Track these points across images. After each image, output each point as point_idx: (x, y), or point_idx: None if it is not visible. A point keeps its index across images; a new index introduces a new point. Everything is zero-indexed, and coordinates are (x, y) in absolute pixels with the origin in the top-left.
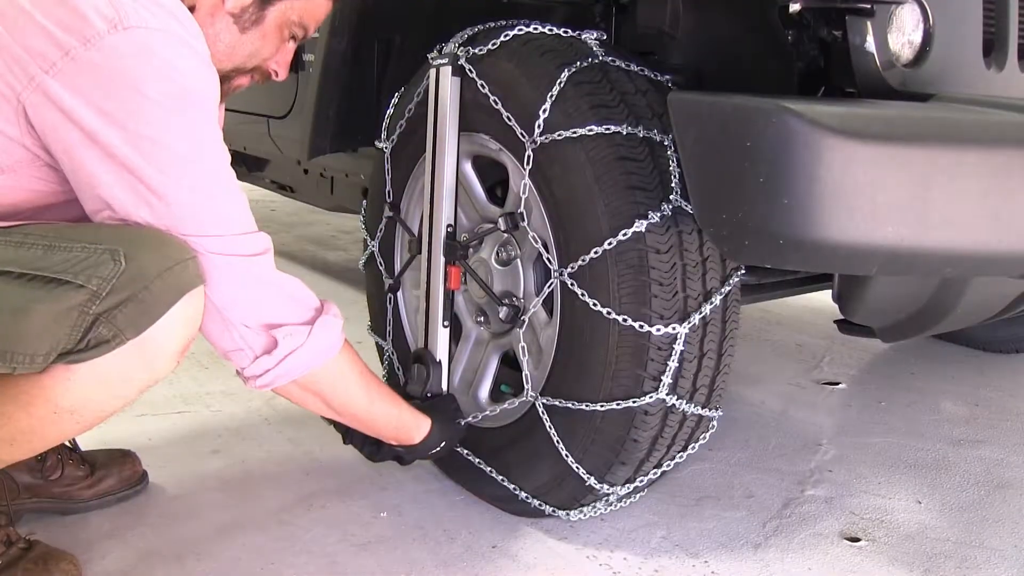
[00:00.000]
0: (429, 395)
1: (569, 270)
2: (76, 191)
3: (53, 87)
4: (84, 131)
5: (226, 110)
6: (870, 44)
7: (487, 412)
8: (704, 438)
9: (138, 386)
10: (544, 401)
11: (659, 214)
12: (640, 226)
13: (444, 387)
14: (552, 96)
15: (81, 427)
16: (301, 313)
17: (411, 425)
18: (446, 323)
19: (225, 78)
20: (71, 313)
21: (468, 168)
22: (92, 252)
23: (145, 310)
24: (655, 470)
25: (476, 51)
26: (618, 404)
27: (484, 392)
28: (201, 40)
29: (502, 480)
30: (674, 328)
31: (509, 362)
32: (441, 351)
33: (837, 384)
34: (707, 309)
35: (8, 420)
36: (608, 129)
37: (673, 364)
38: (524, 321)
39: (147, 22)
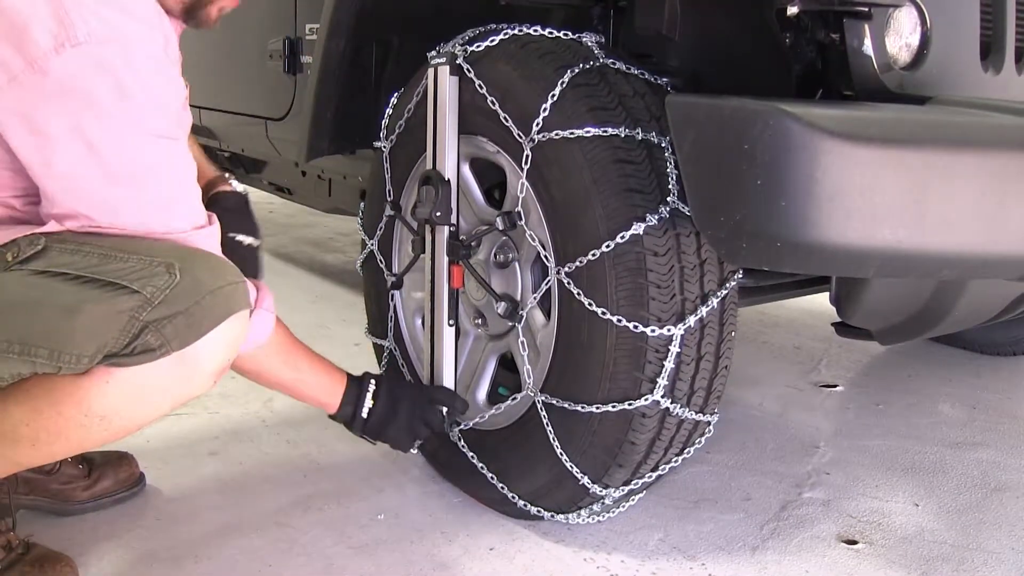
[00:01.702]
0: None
1: (566, 270)
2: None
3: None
4: (34, 152)
5: (224, 111)
6: (868, 47)
7: (489, 412)
8: (700, 442)
9: (172, 401)
10: (543, 399)
11: (657, 216)
12: (638, 228)
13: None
14: (553, 98)
15: (107, 436)
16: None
17: (325, 386)
18: (451, 322)
19: (199, 5)
20: (122, 316)
21: (466, 170)
22: (148, 264)
23: (193, 324)
24: (651, 473)
25: (475, 51)
26: (614, 406)
27: (482, 394)
28: (155, 20)
29: (502, 488)
30: (670, 330)
31: (507, 365)
32: (447, 350)
33: (835, 387)
34: (704, 311)
35: (37, 416)
36: (606, 131)
37: (670, 366)
38: (522, 316)
39: (95, 34)
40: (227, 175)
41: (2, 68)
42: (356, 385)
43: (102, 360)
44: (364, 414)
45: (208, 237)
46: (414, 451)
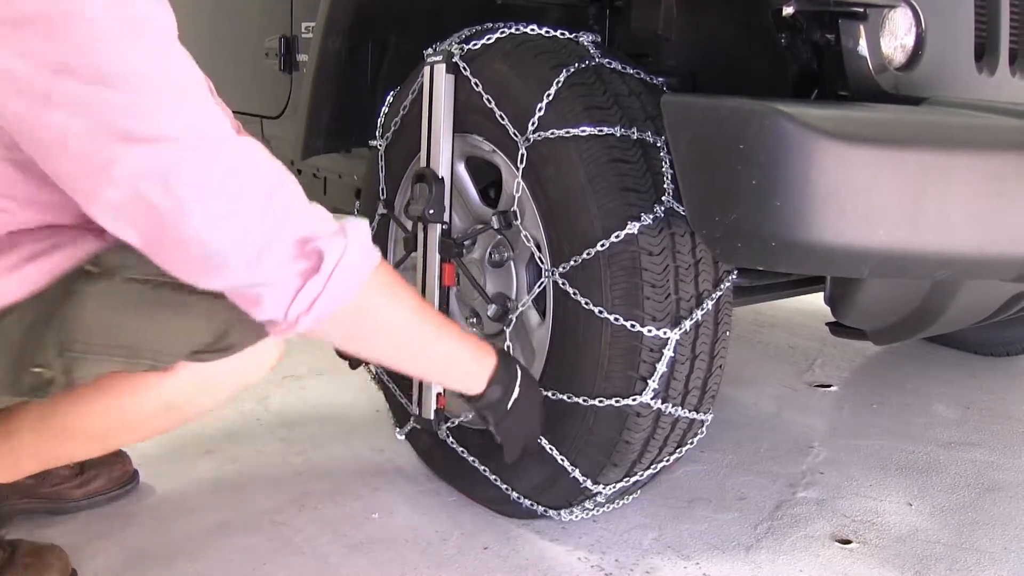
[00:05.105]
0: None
1: (561, 269)
2: (53, 177)
3: None
4: (36, 93)
5: None
6: (863, 47)
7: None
8: (692, 442)
9: (234, 390)
10: None
11: (652, 216)
12: (633, 228)
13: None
14: (549, 97)
15: (172, 426)
16: (326, 218)
17: (474, 355)
18: None
19: None
20: (215, 318)
21: (461, 169)
22: None
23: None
24: (646, 472)
25: (471, 50)
26: (601, 402)
27: None
28: None
29: (495, 479)
30: (665, 331)
31: None
32: None
33: (829, 386)
34: (699, 312)
35: (117, 411)
36: (602, 131)
37: (664, 366)
38: (511, 320)
39: None
40: None
41: None
42: (509, 365)
43: (187, 356)
44: (510, 405)
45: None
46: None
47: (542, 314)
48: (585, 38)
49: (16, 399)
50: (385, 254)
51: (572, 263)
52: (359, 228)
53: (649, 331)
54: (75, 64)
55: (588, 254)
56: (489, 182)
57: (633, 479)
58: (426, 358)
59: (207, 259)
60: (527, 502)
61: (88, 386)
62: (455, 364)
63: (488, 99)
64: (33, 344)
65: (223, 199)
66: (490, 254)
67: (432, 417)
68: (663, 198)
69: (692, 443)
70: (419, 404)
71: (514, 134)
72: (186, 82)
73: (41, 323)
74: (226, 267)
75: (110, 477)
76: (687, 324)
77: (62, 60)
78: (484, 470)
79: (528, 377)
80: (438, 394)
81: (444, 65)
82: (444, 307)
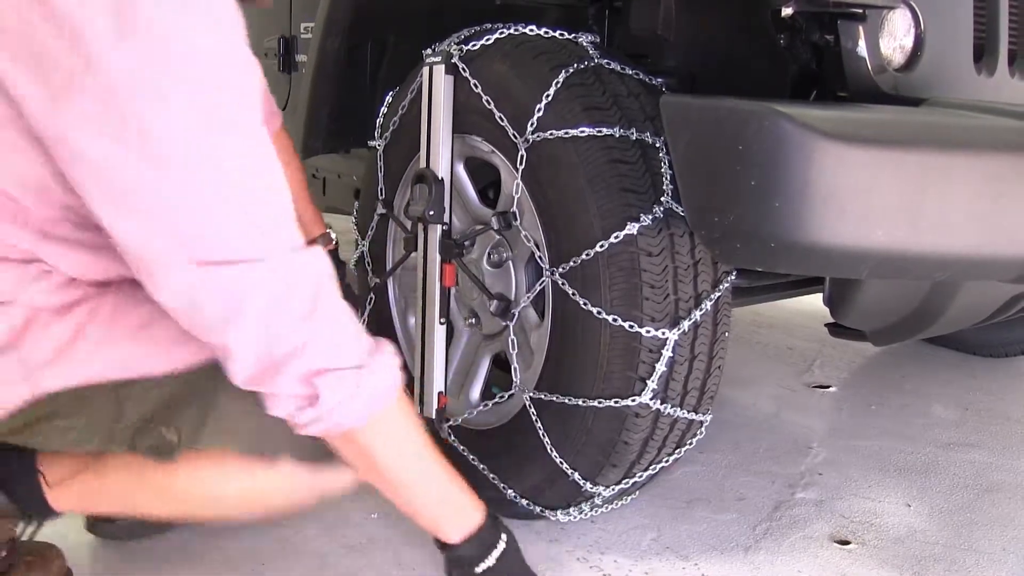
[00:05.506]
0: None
1: (560, 270)
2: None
3: (58, 121)
4: (96, 166)
5: None
6: (862, 48)
7: (477, 409)
8: (691, 443)
9: (311, 499)
10: (531, 395)
11: (651, 217)
12: (632, 228)
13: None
14: (548, 97)
15: (255, 511)
16: (355, 347)
17: (458, 506)
18: (442, 320)
19: None
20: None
21: (460, 170)
22: None
23: None
24: (645, 472)
25: (470, 50)
26: (600, 402)
27: (475, 393)
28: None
29: (494, 479)
30: (664, 331)
31: (501, 364)
32: (437, 348)
33: (828, 387)
34: (698, 312)
35: (219, 486)
36: (600, 131)
37: (663, 367)
38: (515, 315)
39: (158, 12)
40: (330, 232)
41: (58, 72)
42: (493, 530)
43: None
44: (480, 570)
45: (318, 260)
46: None
47: (541, 315)
48: (584, 39)
49: (122, 451)
50: (385, 254)
51: (571, 263)
52: (382, 368)
53: (648, 332)
54: (135, 141)
55: (587, 255)
56: (488, 183)
57: (632, 480)
58: (409, 496)
59: (225, 361)
60: (526, 503)
61: (201, 456)
62: (436, 507)
63: (487, 100)
64: (169, 410)
65: (259, 326)
66: (489, 254)
67: (434, 416)
68: (662, 199)
69: (691, 444)
70: (421, 402)
71: (513, 135)
72: (257, 187)
73: (185, 394)
74: (234, 373)
75: None
76: (686, 325)
77: (125, 139)
78: (483, 469)
79: (514, 559)
80: (440, 393)
81: (443, 66)
82: (444, 307)
